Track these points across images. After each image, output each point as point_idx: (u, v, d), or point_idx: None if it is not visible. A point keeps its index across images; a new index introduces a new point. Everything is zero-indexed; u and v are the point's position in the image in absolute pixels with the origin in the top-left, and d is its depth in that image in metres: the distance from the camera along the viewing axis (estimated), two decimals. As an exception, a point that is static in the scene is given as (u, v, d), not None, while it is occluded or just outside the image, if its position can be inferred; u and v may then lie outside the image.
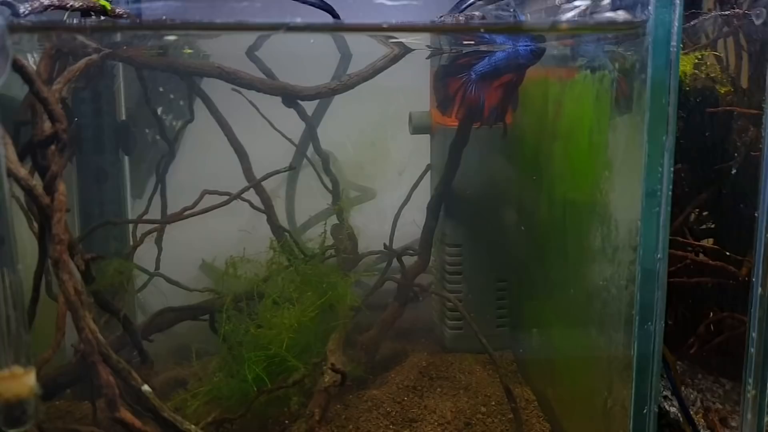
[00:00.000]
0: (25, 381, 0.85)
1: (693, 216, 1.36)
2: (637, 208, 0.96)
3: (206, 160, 1.67)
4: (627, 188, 1.02)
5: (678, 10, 0.92)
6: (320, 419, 1.08)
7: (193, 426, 0.96)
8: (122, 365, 0.97)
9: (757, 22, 1.08)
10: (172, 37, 1.26)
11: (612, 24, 0.99)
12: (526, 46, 1.14)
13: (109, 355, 0.96)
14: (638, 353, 0.98)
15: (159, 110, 1.66)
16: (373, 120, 1.64)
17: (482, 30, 1.12)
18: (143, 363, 1.14)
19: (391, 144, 1.65)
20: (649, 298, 0.97)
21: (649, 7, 0.92)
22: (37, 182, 1.02)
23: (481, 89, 1.21)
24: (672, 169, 0.95)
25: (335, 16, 1.22)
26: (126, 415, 0.95)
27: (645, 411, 0.99)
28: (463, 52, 1.25)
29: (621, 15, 0.99)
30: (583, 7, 1.06)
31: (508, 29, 1.24)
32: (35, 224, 1.07)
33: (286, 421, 1.22)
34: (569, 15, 1.14)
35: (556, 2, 1.19)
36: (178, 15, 1.04)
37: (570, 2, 1.11)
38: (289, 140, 1.52)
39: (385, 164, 1.67)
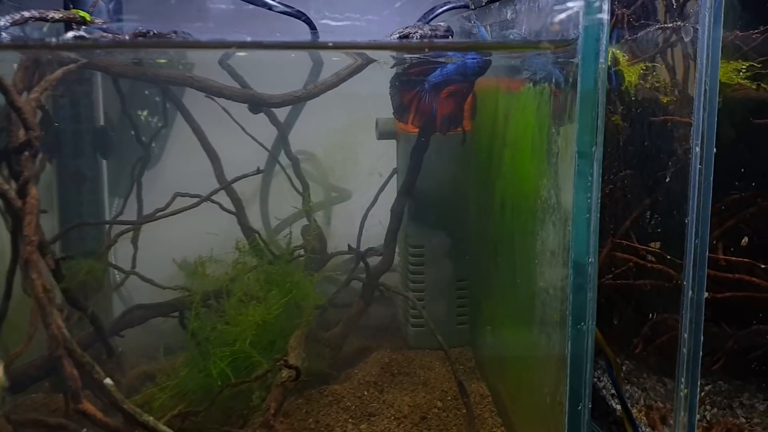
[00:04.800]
0: (-7, 373, 0.92)
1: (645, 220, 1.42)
2: (570, 214, 1.03)
3: (190, 163, 1.74)
4: (562, 195, 1.08)
5: (605, 30, 0.98)
6: (275, 413, 1.15)
7: (150, 417, 1.03)
8: (86, 359, 1.03)
9: (686, 39, 1.15)
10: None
11: (545, 42, 1.06)
12: (473, 59, 1.20)
13: (74, 349, 1.03)
14: (572, 352, 1.04)
15: (144, 114, 1.74)
16: (344, 125, 1.71)
17: (426, 50, 1.18)
18: (109, 357, 1.21)
19: (361, 149, 1.72)
20: (582, 300, 1.03)
21: (579, 27, 0.98)
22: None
23: (433, 98, 1.28)
24: (600, 178, 1.01)
25: (312, 26, 1.29)
26: (88, 407, 1.02)
27: (579, 407, 1.05)
28: (415, 62, 1.31)
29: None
30: (524, 28, 1.13)
31: (457, 48, 1.30)
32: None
33: (248, 415, 1.29)
34: (513, 33, 1.21)
35: (508, 17, 1.26)
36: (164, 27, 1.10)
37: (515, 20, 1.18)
38: (261, 144, 1.59)
39: (355, 167, 1.74)
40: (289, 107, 1.70)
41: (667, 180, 1.22)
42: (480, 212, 1.48)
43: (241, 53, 1.43)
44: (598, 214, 1.02)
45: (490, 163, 1.40)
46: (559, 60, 1.09)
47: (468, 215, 1.54)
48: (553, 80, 1.12)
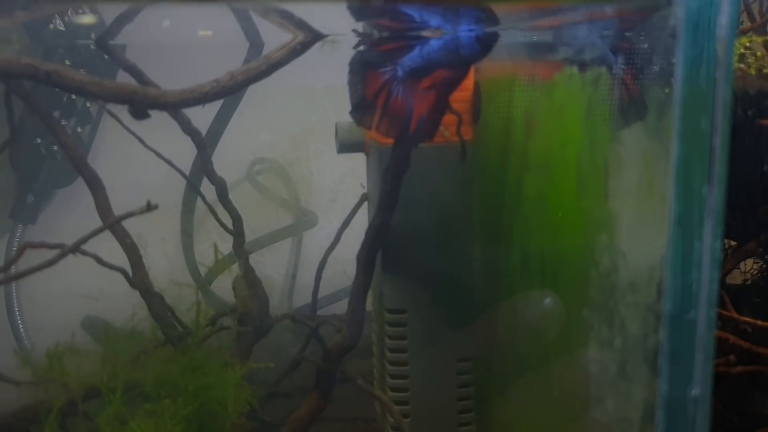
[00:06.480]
0: None
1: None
2: (658, 308, 0.56)
3: (123, 177, 1.28)
4: (641, 268, 0.61)
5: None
6: None
7: None
8: None
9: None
10: None
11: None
12: (469, 30, 0.71)
13: None
14: None
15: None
16: (292, 133, 1.22)
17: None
18: None
19: (317, 165, 1.23)
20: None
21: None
22: None
23: (409, 91, 0.79)
24: (721, 242, 0.53)
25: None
26: None
27: None
28: (385, 36, 0.83)
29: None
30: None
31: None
32: None
33: None
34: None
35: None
36: None
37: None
38: (171, 164, 1.11)
39: (310, 192, 1.25)
40: (217, 108, 1.22)
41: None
42: (489, 265, 0.99)
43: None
44: (715, 312, 0.55)
45: (502, 192, 0.90)
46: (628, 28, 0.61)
47: (471, 266, 1.04)
48: (617, 62, 0.64)
